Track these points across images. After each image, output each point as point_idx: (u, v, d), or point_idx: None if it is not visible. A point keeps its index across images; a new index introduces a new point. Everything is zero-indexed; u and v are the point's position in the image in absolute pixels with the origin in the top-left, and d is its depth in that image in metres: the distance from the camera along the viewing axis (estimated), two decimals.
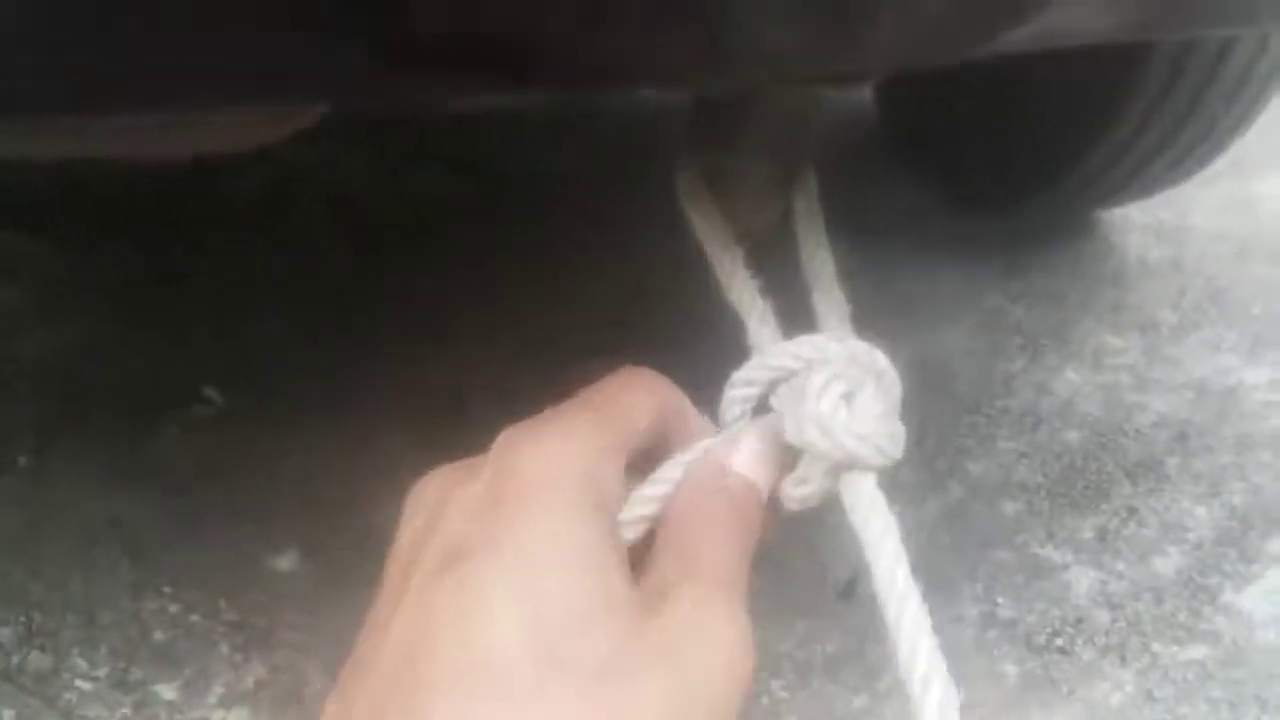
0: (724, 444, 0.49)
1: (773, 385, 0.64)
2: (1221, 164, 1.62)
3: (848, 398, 0.57)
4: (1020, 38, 0.69)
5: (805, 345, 0.64)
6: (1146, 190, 1.63)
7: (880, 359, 0.61)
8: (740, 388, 0.63)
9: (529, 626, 0.37)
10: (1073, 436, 1.39)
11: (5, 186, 1.78)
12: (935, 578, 1.19)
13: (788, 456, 0.57)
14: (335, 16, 0.57)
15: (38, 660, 1.06)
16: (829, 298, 0.79)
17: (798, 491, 0.59)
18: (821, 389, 0.57)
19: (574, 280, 1.59)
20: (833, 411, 0.56)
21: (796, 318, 0.76)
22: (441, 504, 0.43)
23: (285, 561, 1.17)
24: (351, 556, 1.17)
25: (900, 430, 0.59)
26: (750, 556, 0.45)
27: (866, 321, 1.59)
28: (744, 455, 0.49)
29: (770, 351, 0.67)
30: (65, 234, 1.70)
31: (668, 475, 0.48)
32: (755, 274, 0.79)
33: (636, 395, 0.47)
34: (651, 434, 0.47)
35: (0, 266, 1.62)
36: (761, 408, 0.66)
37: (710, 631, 0.40)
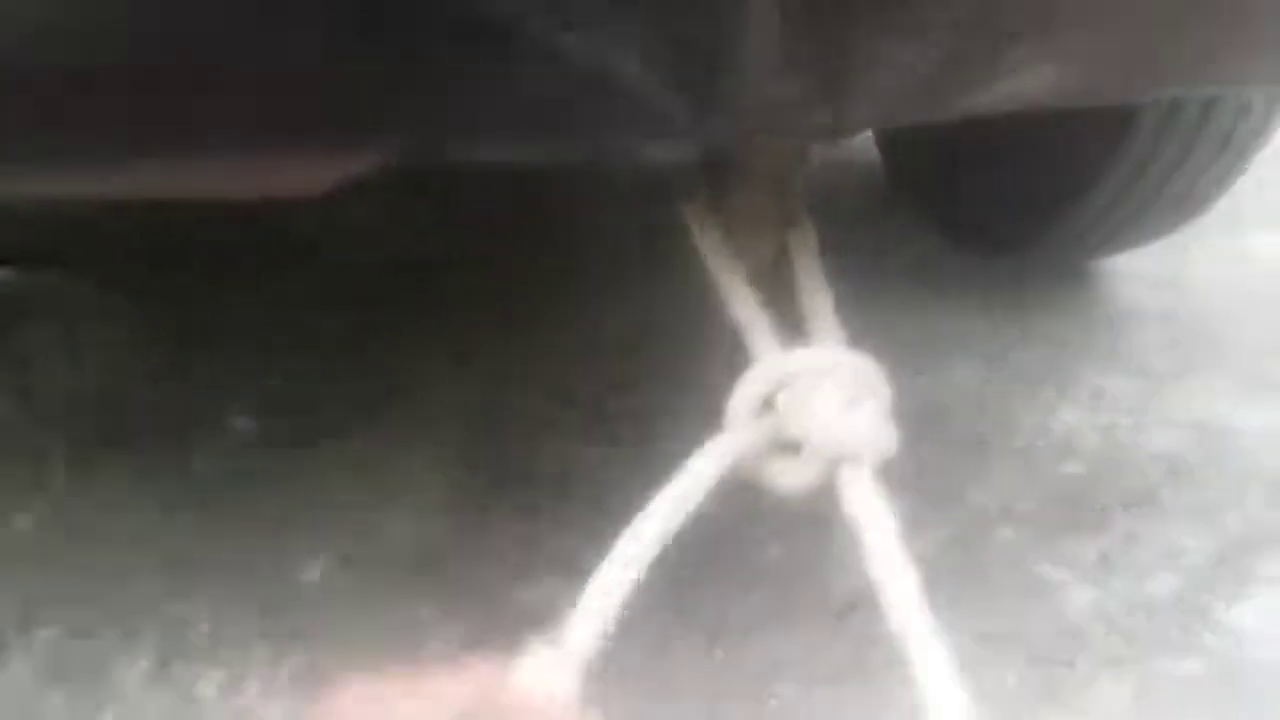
0: None
1: (779, 386, 0.73)
2: (1216, 217, 1.68)
3: (850, 403, 0.67)
4: (994, 100, 0.76)
5: (808, 356, 0.73)
6: (1138, 241, 1.70)
7: (875, 372, 0.71)
8: (750, 386, 0.72)
9: None
10: (1070, 470, 1.44)
11: (38, 229, 1.86)
12: (936, 594, 1.23)
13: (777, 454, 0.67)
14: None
15: (83, 652, 1.11)
16: (823, 322, 0.86)
17: (792, 478, 0.69)
18: (828, 395, 0.67)
19: (593, 314, 1.65)
20: (838, 414, 0.66)
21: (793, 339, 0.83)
22: None
23: (314, 572, 1.22)
24: (376, 567, 1.23)
25: (892, 433, 0.68)
26: None
27: (870, 355, 1.65)
28: None
29: (776, 359, 0.75)
30: (97, 274, 1.77)
31: None
32: (756, 292, 0.87)
33: None
34: None
35: (37, 303, 1.69)
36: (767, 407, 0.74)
37: None
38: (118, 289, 1.73)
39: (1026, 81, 0.76)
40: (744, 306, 0.83)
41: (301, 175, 1.01)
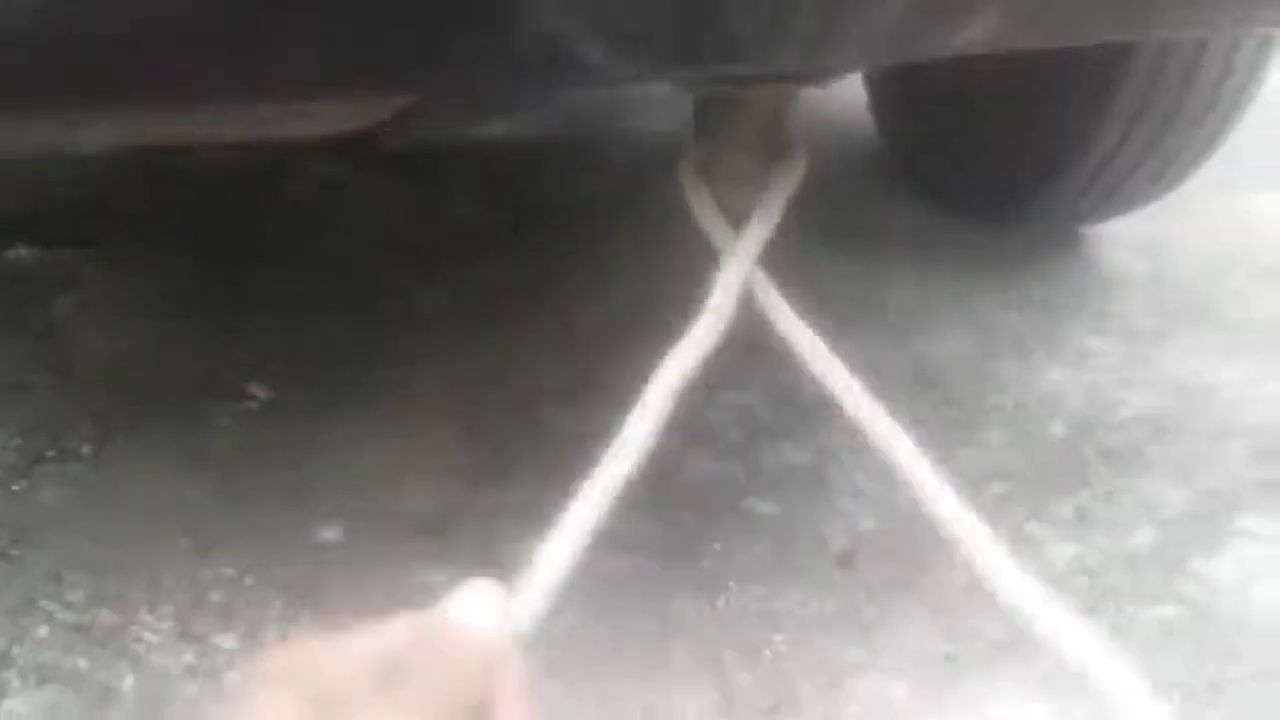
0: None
1: None
2: (1203, 183, 1.73)
3: None
4: (974, 39, 0.80)
5: None
6: (1128, 205, 1.75)
7: None
8: None
9: None
10: (1056, 428, 1.49)
11: (60, 207, 1.92)
12: (920, 549, 1.29)
13: None
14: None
15: (107, 617, 1.17)
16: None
17: None
18: None
19: (590, 286, 1.70)
20: None
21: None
22: None
23: (329, 533, 1.28)
24: (388, 529, 1.29)
25: None
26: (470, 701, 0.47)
27: (870, 324, 1.71)
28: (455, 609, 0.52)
29: None
30: (119, 249, 1.82)
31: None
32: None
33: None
34: None
35: (62, 279, 1.74)
36: None
37: None
38: (135, 264, 1.79)
39: (993, 23, 0.79)
40: (732, 260, 0.87)
41: (338, 116, 1.07)
